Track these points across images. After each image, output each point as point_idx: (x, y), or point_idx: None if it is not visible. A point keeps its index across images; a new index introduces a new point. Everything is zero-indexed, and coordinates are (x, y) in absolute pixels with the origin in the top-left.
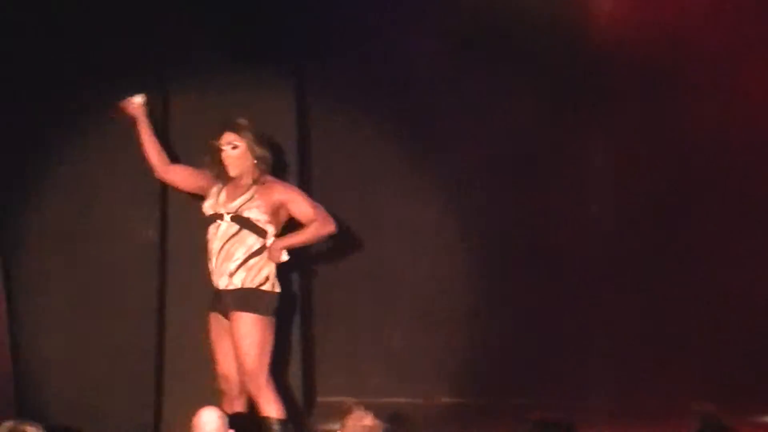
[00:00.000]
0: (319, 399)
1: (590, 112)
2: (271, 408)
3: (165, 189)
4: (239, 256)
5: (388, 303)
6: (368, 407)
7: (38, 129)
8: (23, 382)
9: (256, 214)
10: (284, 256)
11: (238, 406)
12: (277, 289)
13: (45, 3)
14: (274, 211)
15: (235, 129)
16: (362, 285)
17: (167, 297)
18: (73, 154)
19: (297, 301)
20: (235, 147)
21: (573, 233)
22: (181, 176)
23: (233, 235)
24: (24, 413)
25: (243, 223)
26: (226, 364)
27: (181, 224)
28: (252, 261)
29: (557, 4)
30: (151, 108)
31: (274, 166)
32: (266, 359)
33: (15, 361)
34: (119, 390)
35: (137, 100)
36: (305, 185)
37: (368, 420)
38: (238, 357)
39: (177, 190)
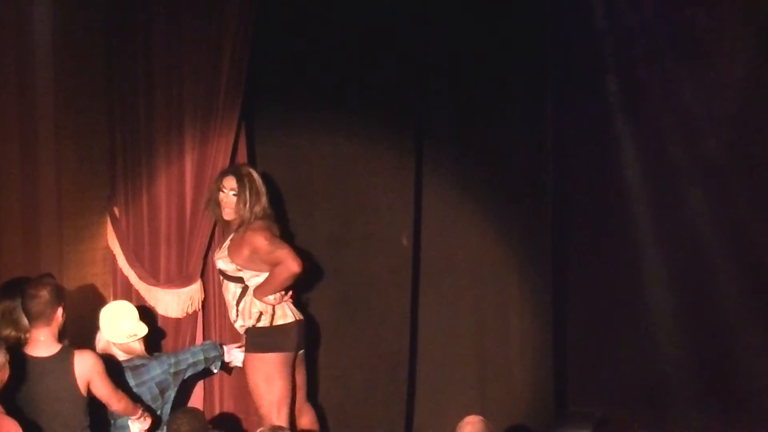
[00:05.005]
0: (572, 408)
1: None
2: None
3: (419, 197)
4: (232, 304)
5: (647, 311)
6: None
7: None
8: None
9: (222, 264)
10: (270, 299)
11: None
12: (278, 322)
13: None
14: (249, 258)
15: (239, 175)
16: (614, 291)
17: (420, 304)
18: (337, 165)
19: (549, 308)
20: (235, 194)
21: None
22: None
23: (221, 284)
24: None
25: (221, 272)
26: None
27: (434, 231)
28: (241, 305)
29: None
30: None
31: None
32: (272, 397)
33: None
34: (373, 397)
35: None
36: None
37: None
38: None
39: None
